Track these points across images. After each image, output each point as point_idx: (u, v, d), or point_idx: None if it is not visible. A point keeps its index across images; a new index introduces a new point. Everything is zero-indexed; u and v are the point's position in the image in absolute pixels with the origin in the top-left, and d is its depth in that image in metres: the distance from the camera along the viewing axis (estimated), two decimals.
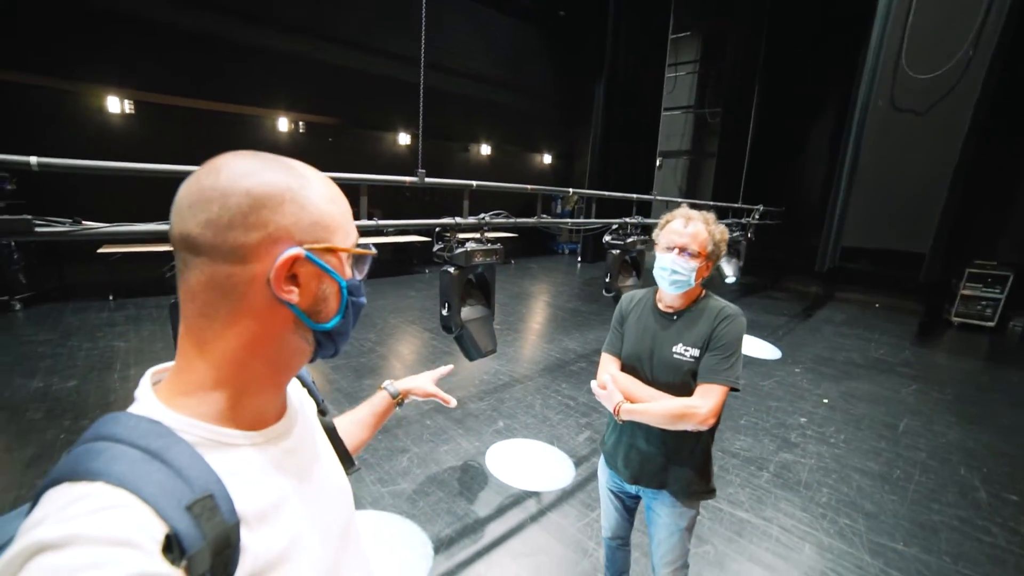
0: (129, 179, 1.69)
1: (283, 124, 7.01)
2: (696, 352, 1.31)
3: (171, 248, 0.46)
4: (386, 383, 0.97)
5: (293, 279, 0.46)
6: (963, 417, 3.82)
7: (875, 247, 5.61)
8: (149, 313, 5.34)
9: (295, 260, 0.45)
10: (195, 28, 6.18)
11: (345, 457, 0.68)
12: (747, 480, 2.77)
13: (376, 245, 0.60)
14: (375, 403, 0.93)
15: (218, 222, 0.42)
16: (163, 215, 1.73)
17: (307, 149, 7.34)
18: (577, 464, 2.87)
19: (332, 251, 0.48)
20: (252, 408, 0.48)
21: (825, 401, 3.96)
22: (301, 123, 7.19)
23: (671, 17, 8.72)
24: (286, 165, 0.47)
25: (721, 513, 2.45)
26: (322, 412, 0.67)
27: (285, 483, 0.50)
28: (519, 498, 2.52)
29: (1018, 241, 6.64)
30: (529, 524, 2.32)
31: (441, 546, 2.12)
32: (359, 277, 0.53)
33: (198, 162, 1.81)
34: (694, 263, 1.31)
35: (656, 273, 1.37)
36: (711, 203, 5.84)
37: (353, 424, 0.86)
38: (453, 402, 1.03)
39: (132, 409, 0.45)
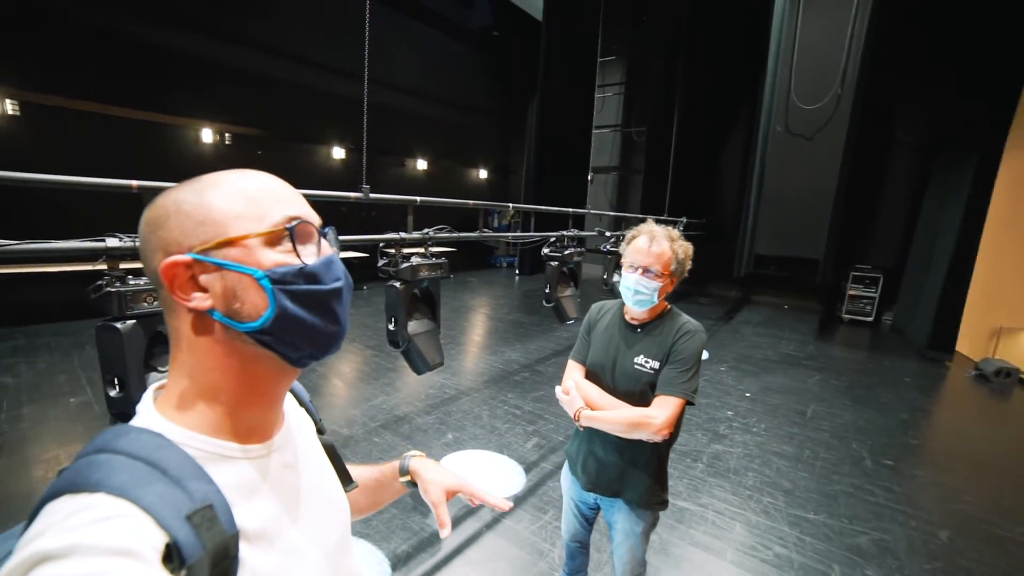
0: (15, 192, 1.55)
1: (207, 135, 6.54)
2: (656, 364, 1.35)
3: (77, 268, 0.47)
4: (408, 454, 0.82)
5: (197, 284, 0.45)
6: (854, 399, 4.41)
7: (782, 254, 6.33)
8: (46, 343, 4.74)
9: (185, 265, 0.44)
10: (104, 25, 5.61)
11: (344, 475, 0.68)
12: (684, 472, 3.00)
13: None
14: (383, 469, 0.81)
15: (141, 255, 0.47)
16: (71, 231, 1.60)
17: (234, 162, 6.74)
18: (527, 470, 2.95)
19: (230, 243, 0.45)
20: (244, 421, 0.49)
21: (747, 395, 4.37)
22: (227, 135, 6.76)
23: (599, 41, 9.29)
24: (191, 181, 0.47)
25: None
26: (320, 431, 0.67)
27: (282, 497, 0.50)
28: (473, 508, 2.55)
29: (884, 247, 7.80)
30: (485, 532, 2.35)
31: (398, 563, 2.10)
32: (305, 261, 0.47)
33: (104, 173, 1.71)
34: (657, 283, 1.34)
35: (622, 290, 1.40)
36: (640, 216, 6.27)
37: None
38: (448, 530, 0.74)
39: (134, 422, 0.46)
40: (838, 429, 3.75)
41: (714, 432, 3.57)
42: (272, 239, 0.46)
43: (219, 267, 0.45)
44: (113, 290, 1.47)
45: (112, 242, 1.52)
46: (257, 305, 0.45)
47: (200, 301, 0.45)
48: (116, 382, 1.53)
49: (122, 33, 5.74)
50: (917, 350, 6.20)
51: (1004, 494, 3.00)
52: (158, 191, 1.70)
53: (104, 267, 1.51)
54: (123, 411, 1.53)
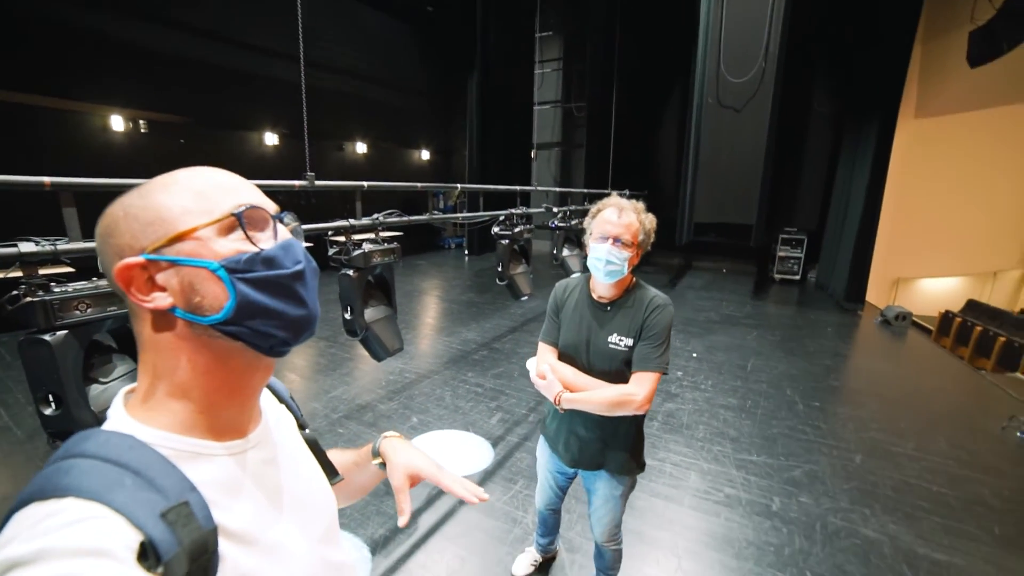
0: None
1: (118, 123, 5.82)
2: (630, 341, 1.36)
3: None
4: (385, 435, 0.79)
5: (153, 283, 0.45)
6: (787, 351, 4.86)
7: (719, 221, 6.71)
8: None
9: (140, 267, 0.44)
10: None
11: (328, 468, 0.68)
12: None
13: None
14: (360, 452, 0.79)
15: (101, 267, 0.47)
16: None
17: (153, 153, 6.19)
18: (495, 444, 3.03)
19: (180, 237, 0.44)
20: (218, 418, 0.48)
21: (694, 355, 4.68)
22: (142, 122, 6.09)
23: (537, 16, 9.20)
24: (140, 186, 0.47)
25: None
26: (302, 426, 0.67)
27: (263, 493, 0.50)
28: None
29: (807, 211, 8.51)
30: (459, 508, 2.41)
31: (377, 547, 2.12)
32: (261, 246, 0.47)
33: (3, 168, 1.53)
34: (627, 252, 1.34)
35: (591, 263, 1.39)
36: (584, 190, 6.41)
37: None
38: (405, 518, 0.69)
39: (104, 426, 0.45)
40: (774, 379, 4.13)
41: (667, 392, 3.82)
42: (223, 228, 0.46)
43: (173, 263, 0.44)
44: (36, 299, 1.34)
45: (26, 247, 1.39)
46: (218, 296, 0.45)
47: (160, 300, 0.44)
48: (51, 399, 1.41)
49: (13, 6, 4.99)
50: (836, 302, 6.88)
51: (900, 419, 3.51)
52: (77, 187, 1.55)
53: (19, 274, 1.38)
54: (62, 430, 1.42)
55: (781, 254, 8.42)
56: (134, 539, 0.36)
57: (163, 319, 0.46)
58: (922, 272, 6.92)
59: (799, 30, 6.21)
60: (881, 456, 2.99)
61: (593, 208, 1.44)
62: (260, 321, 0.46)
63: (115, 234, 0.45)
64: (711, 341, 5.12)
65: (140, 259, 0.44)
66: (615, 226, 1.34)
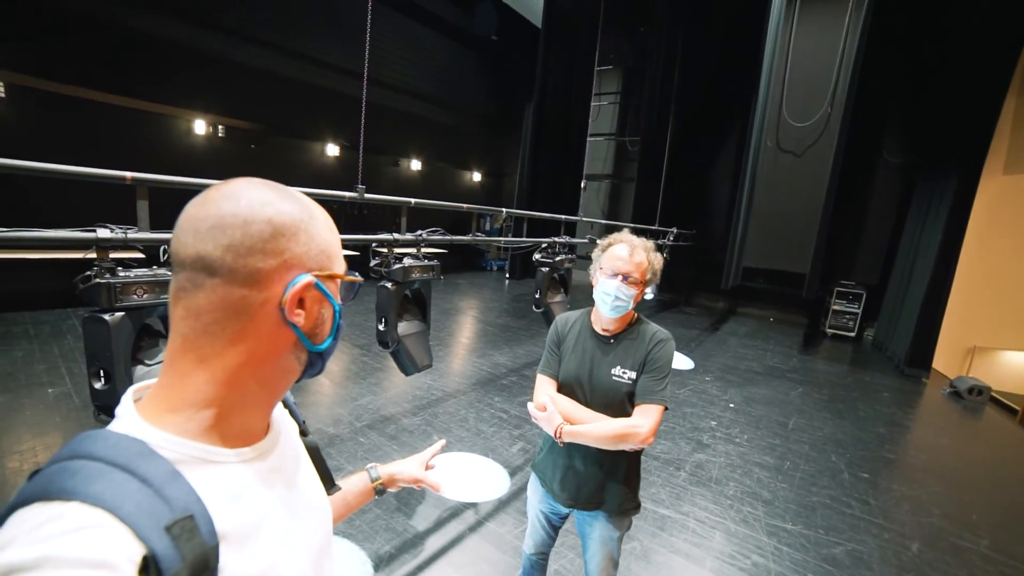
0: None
1: (200, 127, 6.47)
2: (633, 374, 1.37)
3: (59, 256, 0.46)
4: (370, 465, 0.92)
5: (300, 303, 0.48)
6: (834, 413, 4.50)
7: (769, 268, 6.43)
8: (24, 331, 4.64)
9: (306, 286, 0.47)
10: (96, 11, 5.51)
11: (327, 478, 0.69)
12: (667, 480, 3.04)
13: None
14: (350, 482, 0.87)
15: (240, 247, 0.44)
16: (53, 218, 1.58)
17: (228, 155, 6.81)
18: (512, 474, 2.96)
19: (332, 278, 0.51)
20: (239, 425, 0.49)
21: (731, 406, 4.43)
22: (220, 127, 6.68)
23: (597, 50, 9.38)
24: (295, 196, 0.49)
25: (645, 511, 2.67)
26: (303, 433, 0.67)
27: (268, 500, 0.50)
28: (457, 510, 2.55)
29: (867, 264, 7.99)
30: (468, 535, 2.36)
31: (381, 563, 2.10)
32: (344, 302, 0.56)
33: (92, 162, 1.69)
34: (635, 290, 1.37)
35: (598, 297, 1.41)
36: (631, 224, 6.35)
37: None
38: (441, 487, 0.96)
39: (112, 427, 0.43)
40: (817, 441, 3.82)
41: (697, 441, 3.62)
42: (344, 283, 0.55)
43: (324, 295, 0.50)
44: (103, 281, 1.45)
45: (103, 232, 1.51)
46: (327, 332, 0.53)
47: (299, 318, 0.48)
48: (102, 374, 1.52)
49: (115, 20, 5.67)
50: (896, 366, 6.35)
51: (972, 508, 3.10)
52: (153, 183, 1.68)
53: (93, 256, 1.50)
54: (107, 404, 1.51)
55: (836, 307, 7.92)
56: (137, 552, 0.35)
57: (282, 332, 0.48)
58: (1006, 343, 6.26)
59: (871, 75, 5.98)
60: (945, 549, 2.64)
61: (603, 242, 1.47)
62: (327, 356, 0.55)
63: (294, 239, 0.47)
64: (751, 392, 4.83)
65: (312, 279, 0.48)
66: (626, 263, 1.37)
